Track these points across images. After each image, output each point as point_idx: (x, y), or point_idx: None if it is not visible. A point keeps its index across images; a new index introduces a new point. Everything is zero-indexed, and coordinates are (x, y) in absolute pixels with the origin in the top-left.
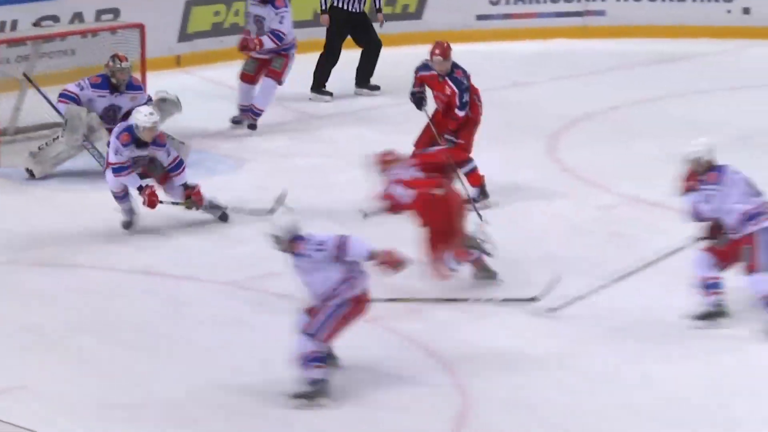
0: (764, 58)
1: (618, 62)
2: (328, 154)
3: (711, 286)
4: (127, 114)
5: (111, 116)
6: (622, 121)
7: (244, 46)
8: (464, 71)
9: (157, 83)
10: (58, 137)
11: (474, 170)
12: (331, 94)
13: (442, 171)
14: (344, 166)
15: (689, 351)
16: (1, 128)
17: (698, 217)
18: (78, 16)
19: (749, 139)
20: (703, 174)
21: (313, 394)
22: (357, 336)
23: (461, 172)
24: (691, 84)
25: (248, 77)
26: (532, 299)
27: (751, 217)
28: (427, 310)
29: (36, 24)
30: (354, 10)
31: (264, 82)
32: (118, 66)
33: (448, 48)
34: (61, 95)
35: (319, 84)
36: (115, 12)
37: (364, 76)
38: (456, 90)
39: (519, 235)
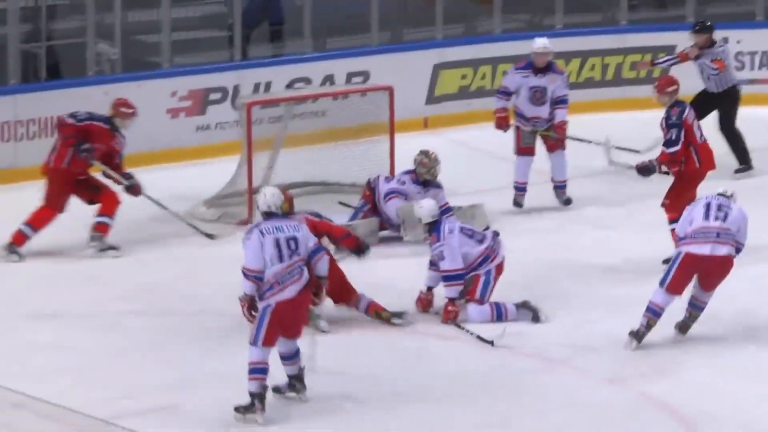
0: None
1: None
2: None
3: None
4: None
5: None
6: None
7: (503, 125)
8: (682, 111)
9: (405, 144)
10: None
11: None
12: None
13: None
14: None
15: None
16: (255, 186)
17: None
18: (329, 79)
19: None
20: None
21: (246, 408)
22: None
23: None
24: None
25: (528, 149)
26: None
27: None
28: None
29: (289, 86)
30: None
31: (554, 156)
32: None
33: (663, 82)
34: (389, 193)
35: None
36: (365, 75)
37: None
38: (663, 123)
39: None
